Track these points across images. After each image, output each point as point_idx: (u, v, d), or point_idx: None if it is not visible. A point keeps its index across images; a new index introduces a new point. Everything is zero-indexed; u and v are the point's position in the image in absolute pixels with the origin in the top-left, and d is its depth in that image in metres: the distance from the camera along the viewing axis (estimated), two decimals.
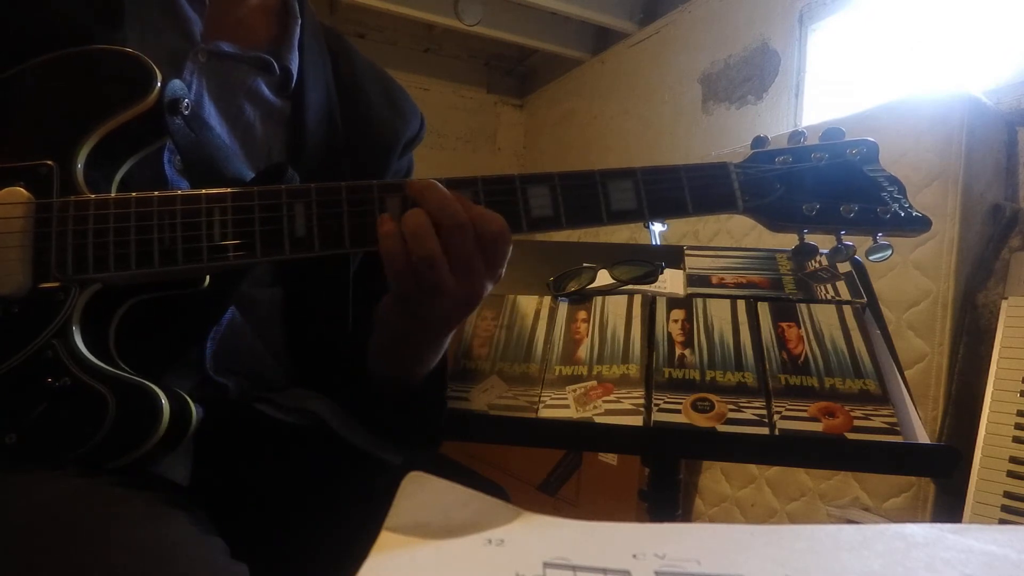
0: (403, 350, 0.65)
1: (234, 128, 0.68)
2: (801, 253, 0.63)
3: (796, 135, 0.63)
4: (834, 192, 0.61)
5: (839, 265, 0.87)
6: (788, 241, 0.65)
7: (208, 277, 0.58)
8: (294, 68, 0.71)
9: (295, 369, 0.71)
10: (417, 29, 3.44)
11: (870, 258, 0.61)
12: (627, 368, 0.75)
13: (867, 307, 0.81)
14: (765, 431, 0.67)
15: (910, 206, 0.61)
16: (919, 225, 0.61)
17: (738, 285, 0.86)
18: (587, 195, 0.59)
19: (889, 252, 0.61)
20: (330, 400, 0.67)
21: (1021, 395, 1.33)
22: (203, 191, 0.56)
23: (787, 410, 0.68)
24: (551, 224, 0.59)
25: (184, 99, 0.58)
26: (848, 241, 0.62)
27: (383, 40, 3.50)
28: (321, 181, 0.58)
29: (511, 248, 0.58)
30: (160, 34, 0.64)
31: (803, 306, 0.80)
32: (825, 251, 0.63)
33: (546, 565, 0.24)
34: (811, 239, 0.63)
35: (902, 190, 0.61)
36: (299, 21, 0.74)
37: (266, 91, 0.70)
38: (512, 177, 0.59)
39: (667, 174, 0.60)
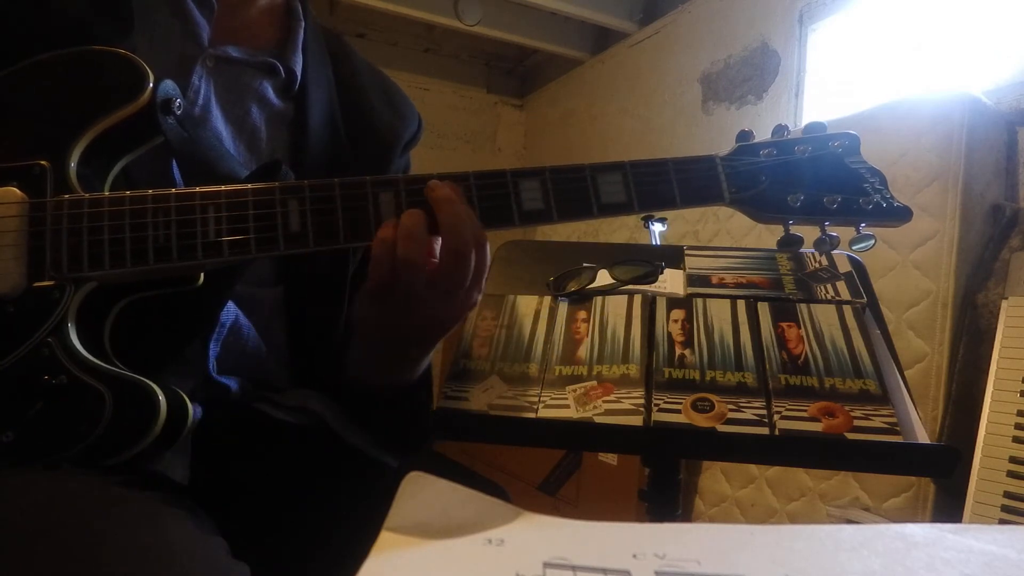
0: (379, 358, 0.66)
1: (241, 131, 0.68)
2: (786, 243, 0.64)
3: (779, 129, 0.65)
4: (817, 184, 0.62)
5: (839, 264, 0.87)
6: None
7: (203, 275, 0.58)
8: (298, 70, 0.71)
9: (297, 370, 0.71)
10: (417, 29, 3.43)
11: (853, 248, 0.63)
12: (627, 368, 0.75)
13: (867, 307, 0.81)
14: (765, 431, 0.67)
15: (891, 196, 0.62)
16: (900, 215, 0.62)
17: (738, 285, 0.86)
18: (577, 188, 0.60)
19: (872, 242, 0.62)
20: (330, 400, 0.67)
21: (1021, 395, 1.32)
22: (197, 188, 0.56)
23: (787, 410, 0.68)
24: (542, 217, 0.60)
25: (176, 99, 0.59)
26: (832, 232, 0.63)
27: (383, 40, 3.49)
28: None
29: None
30: (169, 39, 0.64)
31: (803, 306, 0.80)
32: (811, 250, 0.64)
33: (546, 565, 0.24)
34: (797, 231, 0.64)
35: (883, 181, 0.63)
36: (302, 23, 0.74)
37: (271, 94, 0.70)
38: (503, 172, 0.60)
39: (655, 167, 0.61)
